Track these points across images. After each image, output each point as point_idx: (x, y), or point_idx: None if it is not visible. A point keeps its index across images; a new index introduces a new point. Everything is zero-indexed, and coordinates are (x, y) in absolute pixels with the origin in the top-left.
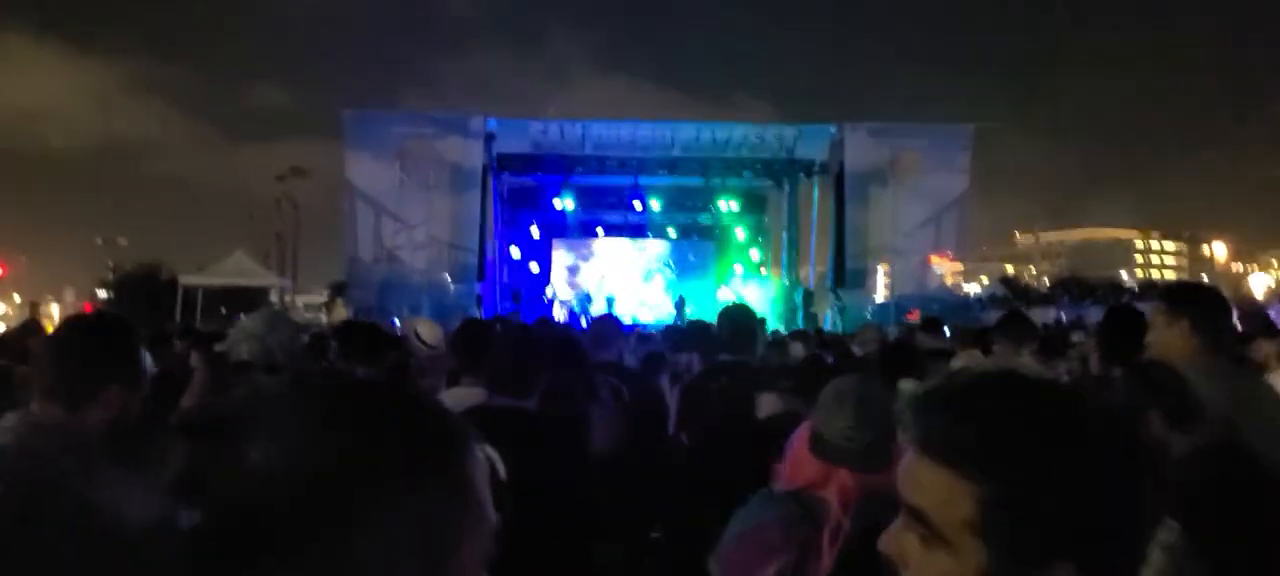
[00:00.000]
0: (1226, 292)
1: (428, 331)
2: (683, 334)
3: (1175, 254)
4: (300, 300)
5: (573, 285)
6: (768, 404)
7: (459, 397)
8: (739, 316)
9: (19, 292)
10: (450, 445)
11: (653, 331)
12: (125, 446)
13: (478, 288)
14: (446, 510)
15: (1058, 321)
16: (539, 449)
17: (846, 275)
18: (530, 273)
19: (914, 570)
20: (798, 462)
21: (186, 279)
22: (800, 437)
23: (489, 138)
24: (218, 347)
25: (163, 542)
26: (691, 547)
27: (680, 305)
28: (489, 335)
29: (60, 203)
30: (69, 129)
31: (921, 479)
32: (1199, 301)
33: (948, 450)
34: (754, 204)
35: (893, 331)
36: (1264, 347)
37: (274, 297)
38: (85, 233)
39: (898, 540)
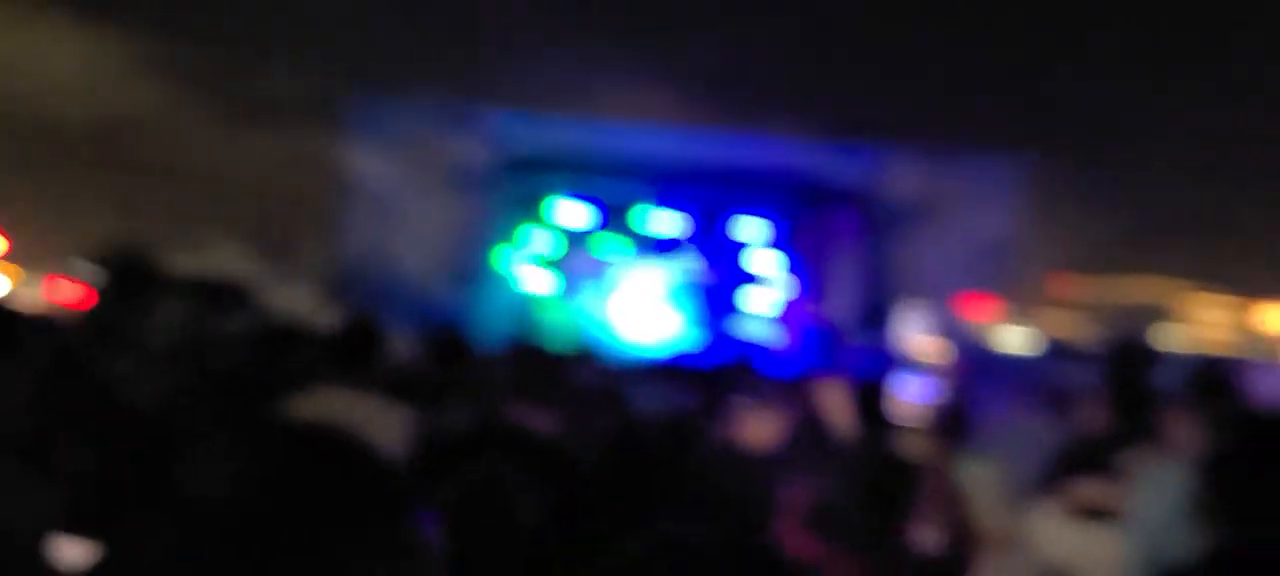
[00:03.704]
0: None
1: None
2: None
3: (1225, 309)
4: (290, 296)
5: (580, 300)
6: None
7: None
8: None
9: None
10: None
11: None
12: None
13: (479, 296)
14: None
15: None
16: None
17: (877, 313)
18: (535, 284)
19: None
20: (790, 534)
21: (174, 263)
22: (793, 507)
23: (499, 135)
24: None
25: None
26: None
27: (718, 333)
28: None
29: (55, 180)
30: (66, 105)
31: None
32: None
33: None
34: (781, 228)
35: None
36: None
37: (262, 291)
38: (75, 211)
39: None
